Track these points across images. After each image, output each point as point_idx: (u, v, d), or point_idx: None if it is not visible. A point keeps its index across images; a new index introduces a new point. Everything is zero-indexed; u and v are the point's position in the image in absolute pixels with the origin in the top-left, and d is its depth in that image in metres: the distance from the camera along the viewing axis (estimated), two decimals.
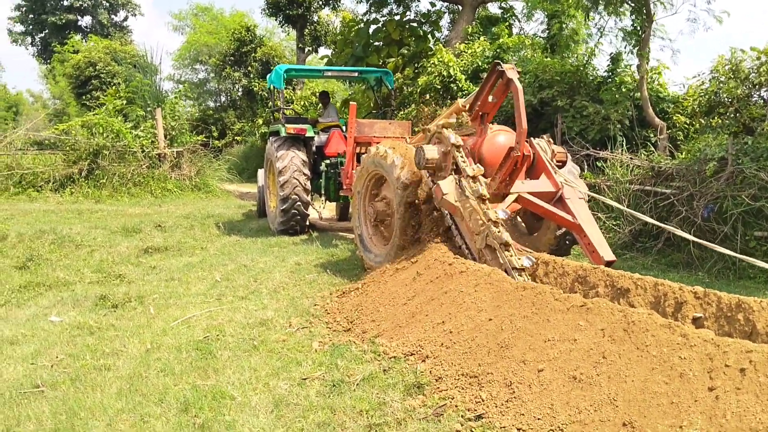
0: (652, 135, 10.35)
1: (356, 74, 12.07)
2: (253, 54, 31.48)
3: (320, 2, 30.71)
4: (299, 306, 6.13)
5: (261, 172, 12.91)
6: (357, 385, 4.10)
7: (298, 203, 10.10)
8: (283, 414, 3.76)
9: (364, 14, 22.34)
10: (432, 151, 6.23)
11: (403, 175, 6.65)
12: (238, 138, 32.71)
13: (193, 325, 5.64)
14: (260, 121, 27.73)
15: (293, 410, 3.80)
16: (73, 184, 14.63)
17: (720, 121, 9.30)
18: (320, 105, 13.24)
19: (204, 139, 18.32)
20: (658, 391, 3.11)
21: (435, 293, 4.88)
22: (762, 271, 6.71)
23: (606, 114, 10.24)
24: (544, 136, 6.74)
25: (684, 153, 9.09)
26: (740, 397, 2.84)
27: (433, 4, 21.74)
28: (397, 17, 21.32)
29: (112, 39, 37.78)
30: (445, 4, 22.82)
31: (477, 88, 14.74)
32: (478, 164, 6.17)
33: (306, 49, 32.76)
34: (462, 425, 3.48)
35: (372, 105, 19.29)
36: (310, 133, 10.41)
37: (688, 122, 10.45)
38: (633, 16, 10.27)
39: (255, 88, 30.11)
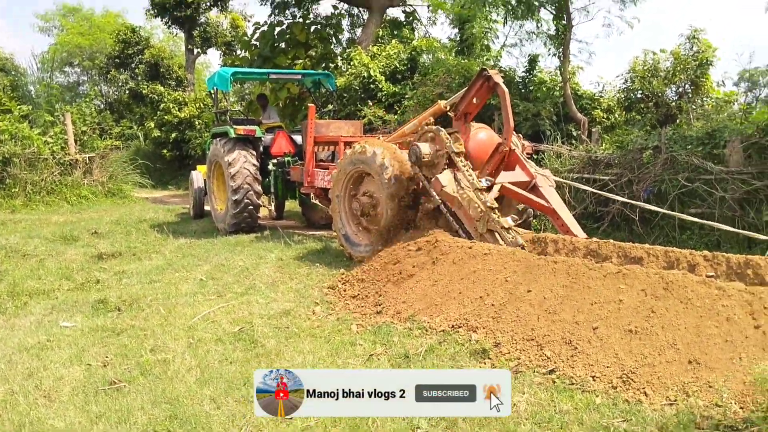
0: (573, 129, 11.44)
1: (299, 77, 12.31)
2: (140, 56, 30.35)
3: (208, 3, 30.20)
4: (310, 296, 6.42)
5: (195, 174, 12.84)
6: (423, 356, 4.53)
7: (251, 199, 10.25)
8: None
9: (269, 16, 22.39)
10: (426, 148, 6.74)
11: (390, 166, 7.12)
12: (117, 143, 31.39)
13: (215, 320, 5.79)
14: (151, 124, 26.79)
15: None
16: None
17: (639, 116, 10.58)
18: (258, 107, 13.31)
19: (116, 143, 17.75)
20: (712, 333, 3.80)
21: (463, 273, 5.39)
22: (699, 243, 7.82)
23: (537, 110, 11.23)
24: (515, 133, 7.43)
25: (606, 144, 10.18)
26: None
27: (335, 7, 22.17)
28: (300, 20, 21.64)
29: None
30: (345, 7, 23.35)
31: (398, 88, 15.37)
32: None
33: (195, 51, 32.09)
34: (541, 378, 4.02)
35: (280, 104, 19.52)
36: (258, 134, 10.56)
37: (605, 117, 11.69)
38: (555, 22, 11.33)
39: (144, 91, 29.02)
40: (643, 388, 3.70)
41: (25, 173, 14.20)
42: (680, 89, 10.89)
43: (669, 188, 8.23)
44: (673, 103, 10.99)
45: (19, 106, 15.35)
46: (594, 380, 3.89)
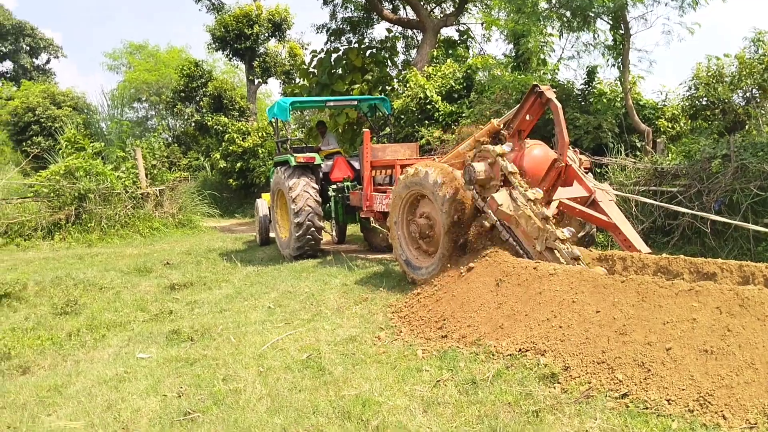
0: (637, 140, 11.19)
1: (355, 102, 12.52)
2: (203, 89, 31.34)
3: (266, 34, 31.13)
4: (374, 321, 6.46)
5: (260, 202, 13.15)
6: (490, 381, 4.48)
7: (313, 221, 10.42)
8: (439, 412, 4.10)
9: (325, 43, 22.87)
10: (480, 167, 6.71)
11: (443, 183, 7.12)
12: (185, 174, 32.25)
13: (283, 348, 5.88)
14: (217, 155, 27.47)
15: (446, 408, 4.16)
16: (60, 230, 14.51)
17: (705, 124, 10.28)
18: (318, 134, 13.57)
19: (184, 175, 18.44)
20: None
21: (528, 295, 5.32)
22: None
23: (598, 123, 11.04)
24: (571, 147, 7.32)
25: (673, 154, 9.90)
26: None
27: (389, 31, 22.40)
28: (355, 45, 22.00)
29: (36, 82, 36.98)
30: (399, 29, 23.57)
31: (455, 108, 15.35)
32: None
33: (256, 81, 32.99)
34: (613, 403, 3.91)
35: (339, 130, 19.83)
36: (318, 161, 10.75)
37: (669, 126, 11.40)
38: (612, 32, 11.15)
39: (209, 122, 29.84)
40: (722, 411, 3.56)
41: (100, 208, 14.87)
42: (747, 94, 10.55)
43: (741, 198, 7.93)
44: (741, 109, 10.64)
45: (92, 144, 16.14)
46: (669, 404, 3.77)
